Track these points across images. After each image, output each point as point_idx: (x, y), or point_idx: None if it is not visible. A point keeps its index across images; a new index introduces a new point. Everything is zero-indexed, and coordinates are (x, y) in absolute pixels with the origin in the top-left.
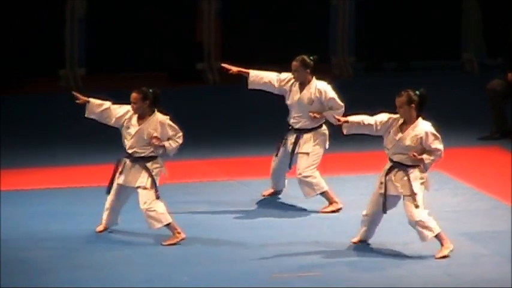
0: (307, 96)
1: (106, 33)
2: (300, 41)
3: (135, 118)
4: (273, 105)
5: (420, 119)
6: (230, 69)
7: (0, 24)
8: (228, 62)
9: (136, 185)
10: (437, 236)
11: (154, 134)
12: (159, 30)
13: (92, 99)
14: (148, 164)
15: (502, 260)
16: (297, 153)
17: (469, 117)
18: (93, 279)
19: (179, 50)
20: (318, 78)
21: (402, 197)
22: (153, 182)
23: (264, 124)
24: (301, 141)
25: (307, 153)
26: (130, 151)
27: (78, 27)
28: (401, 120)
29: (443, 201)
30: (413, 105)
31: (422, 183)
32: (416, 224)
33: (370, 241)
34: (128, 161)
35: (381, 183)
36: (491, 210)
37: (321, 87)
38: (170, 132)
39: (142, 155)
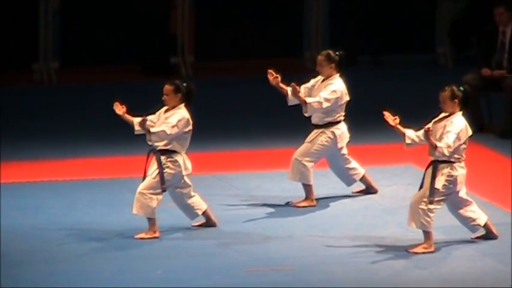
0: (319, 90)
1: (80, 26)
2: (273, 34)
3: (162, 111)
4: (247, 100)
5: (458, 113)
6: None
7: None
8: (201, 55)
9: (148, 175)
10: (426, 233)
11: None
12: (133, 23)
13: (135, 119)
14: (163, 157)
15: (475, 253)
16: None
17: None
18: (67, 272)
19: (153, 44)
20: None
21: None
22: (161, 175)
23: (237, 117)
24: (310, 135)
25: (310, 142)
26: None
27: (52, 20)
28: (441, 115)
29: None
30: (456, 100)
31: (448, 181)
32: (414, 208)
33: (344, 234)
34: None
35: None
36: None
37: (330, 81)
38: (168, 120)
39: (158, 147)
